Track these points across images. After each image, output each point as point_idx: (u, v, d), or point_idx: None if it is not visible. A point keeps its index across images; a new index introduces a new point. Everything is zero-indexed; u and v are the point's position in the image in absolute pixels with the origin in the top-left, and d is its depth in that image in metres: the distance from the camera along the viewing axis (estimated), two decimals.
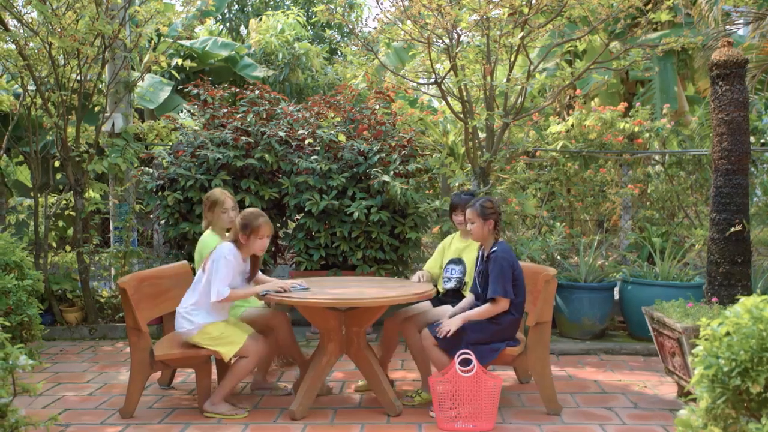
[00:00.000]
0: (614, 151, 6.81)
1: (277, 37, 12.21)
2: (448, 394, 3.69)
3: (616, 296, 5.92)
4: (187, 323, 3.95)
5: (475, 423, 3.70)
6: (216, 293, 3.83)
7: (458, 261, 4.52)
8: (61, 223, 8.10)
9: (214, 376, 4.48)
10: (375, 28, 6.16)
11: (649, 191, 7.01)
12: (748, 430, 1.59)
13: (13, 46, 6.03)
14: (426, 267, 4.70)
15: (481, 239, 4.01)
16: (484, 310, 3.84)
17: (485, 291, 3.89)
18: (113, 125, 6.68)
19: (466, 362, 3.71)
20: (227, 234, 4.33)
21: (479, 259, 4.10)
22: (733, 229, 4.28)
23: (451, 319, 3.81)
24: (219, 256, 3.88)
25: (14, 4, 6.02)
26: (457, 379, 3.67)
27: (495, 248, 3.91)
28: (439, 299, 4.50)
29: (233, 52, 11.86)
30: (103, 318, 6.39)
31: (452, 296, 4.46)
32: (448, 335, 3.75)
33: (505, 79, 5.93)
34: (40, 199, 6.44)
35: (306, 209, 5.85)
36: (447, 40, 5.80)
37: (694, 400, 1.80)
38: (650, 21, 6.66)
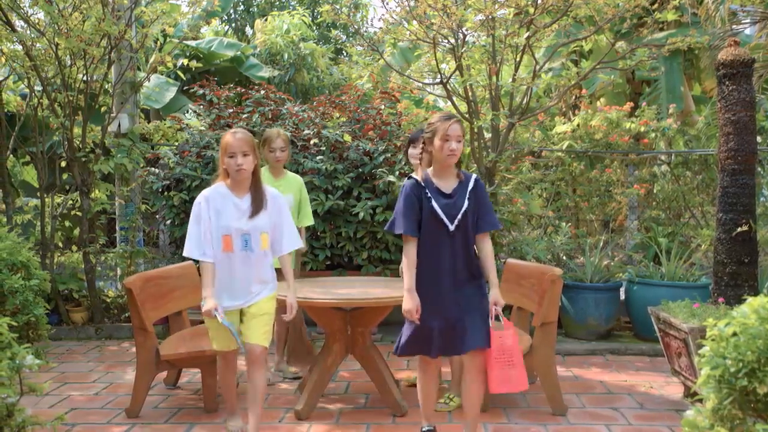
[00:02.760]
0: (620, 151, 6.79)
1: (283, 37, 12.22)
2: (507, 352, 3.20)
3: (622, 296, 5.91)
4: None
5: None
6: (188, 249, 3.36)
7: None
8: (67, 224, 8.13)
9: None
10: (380, 28, 6.16)
11: (655, 191, 6.99)
12: (755, 431, 1.59)
13: (19, 47, 6.05)
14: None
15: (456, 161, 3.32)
16: (492, 253, 3.31)
17: (468, 227, 3.26)
18: (119, 125, 6.70)
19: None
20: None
21: (428, 191, 3.28)
22: (739, 230, 4.27)
23: (494, 296, 3.21)
24: (195, 203, 3.41)
25: (21, 5, 6.04)
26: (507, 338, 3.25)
27: (475, 175, 3.37)
28: None
29: (239, 53, 11.88)
30: (109, 318, 6.41)
31: None
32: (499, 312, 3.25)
33: (510, 79, 5.92)
34: (46, 200, 6.46)
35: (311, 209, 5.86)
36: (452, 40, 5.80)
37: (700, 400, 1.80)
38: (656, 21, 6.65)
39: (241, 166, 3.30)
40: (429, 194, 3.27)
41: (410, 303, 3.21)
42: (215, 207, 3.34)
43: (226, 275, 3.36)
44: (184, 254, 3.34)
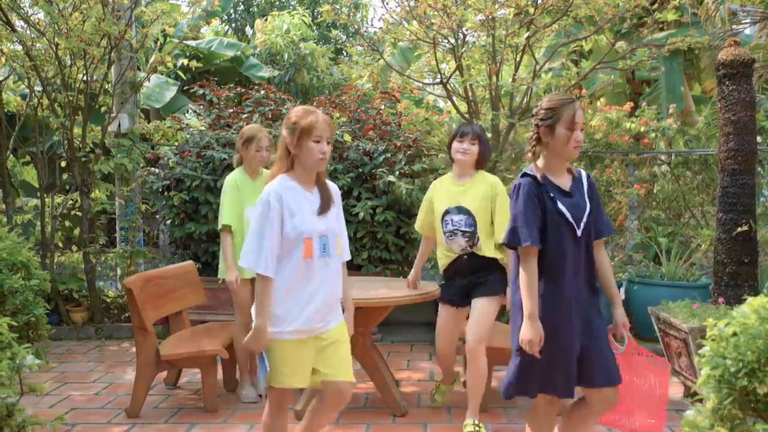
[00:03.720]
0: (620, 151, 6.79)
1: (283, 37, 12.22)
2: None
3: (622, 296, 5.91)
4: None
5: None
6: (245, 259, 2.63)
7: (460, 209, 3.67)
8: (67, 223, 8.13)
9: (220, 376, 4.50)
10: (380, 28, 6.16)
11: (655, 191, 6.99)
12: (755, 430, 1.59)
13: (20, 47, 6.06)
14: (420, 227, 3.97)
15: None
16: (610, 264, 2.86)
17: (591, 232, 2.73)
18: (119, 125, 6.70)
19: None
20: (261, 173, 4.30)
21: (549, 191, 2.69)
22: (739, 229, 4.27)
23: (621, 317, 2.83)
24: (259, 201, 2.67)
25: (21, 5, 6.04)
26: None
27: (584, 171, 2.86)
28: (447, 279, 3.79)
29: (239, 53, 11.88)
30: (109, 318, 6.41)
31: (468, 264, 3.68)
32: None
33: (510, 79, 5.92)
34: (46, 200, 6.46)
35: None
36: (452, 40, 5.80)
37: (700, 400, 1.79)
38: (656, 21, 6.64)
39: (326, 154, 2.69)
40: (551, 194, 2.68)
41: (533, 332, 2.56)
42: (289, 206, 2.64)
43: (305, 288, 2.66)
44: (243, 265, 2.63)
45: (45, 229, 6.40)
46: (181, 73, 9.22)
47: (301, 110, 2.70)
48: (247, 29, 17.55)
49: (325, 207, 2.73)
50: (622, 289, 5.89)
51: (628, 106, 7.03)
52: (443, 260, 3.76)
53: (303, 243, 2.63)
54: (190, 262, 4.80)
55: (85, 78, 6.18)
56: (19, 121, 6.71)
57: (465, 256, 3.66)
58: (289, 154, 2.70)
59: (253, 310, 2.64)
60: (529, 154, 2.77)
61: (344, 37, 17.41)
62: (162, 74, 10.48)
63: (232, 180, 4.23)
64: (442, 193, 3.77)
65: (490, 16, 5.47)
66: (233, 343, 4.30)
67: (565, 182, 2.74)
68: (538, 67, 5.88)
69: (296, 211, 2.65)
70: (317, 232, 2.68)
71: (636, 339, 5.75)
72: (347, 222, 5.86)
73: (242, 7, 18.30)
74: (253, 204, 4.14)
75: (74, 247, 6.74)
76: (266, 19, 13.03)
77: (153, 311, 4.10)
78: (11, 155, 7.09)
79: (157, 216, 7.05)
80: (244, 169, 4.31)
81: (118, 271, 6.76)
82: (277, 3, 18.08)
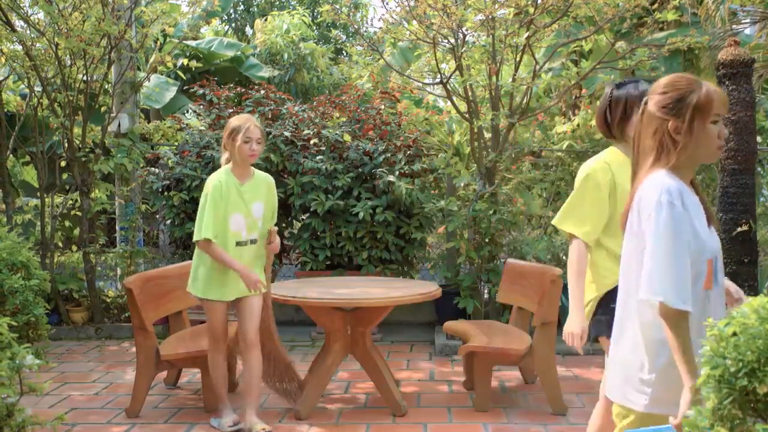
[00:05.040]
0: None
1: (283, 37, 12.23)
2: None
3: None
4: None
5: None
6: (661, 292, 1.80)
7: None
8: (67, 223, 8.12)
9: None
10: (380, 28, 6.17)
11: None
12: (755, 430, 1.59)
13: (19, 47, 6.06)
14: (585, 236, 2.60)
15: None
16: None
17: None
18: (119, 125, 6.70)
19: None
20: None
21: None
22: (739, 229, 4.27)
23: None
24: (656, 204, 1.84)
25: (21, 5, 6.04)
26: None
27: None
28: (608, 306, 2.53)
29: (239, 53, 11.89)
30: (109, 318, 6.41)
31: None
32: None
33: (510, 79, 5.93)
34: (46, 199, 6.46)
35: (311, 209, 5.86)
36: (452, 40, 5.80)
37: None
38: (656, 21, 6.64)
39: (723, 141, 1.96)
40: None
41: None
42: (689, 212, 1.87)
43: (697, 329, 1.83)
44: (655, 298, 1.80)
45: (45, 229, 6.40)
46: (181, 73, 9.22)
47: (685, 79, 1.90)
48: (247, 29, 17.55)
49: (711, 216, 1.97)
50: None
51: None
52: (613, 277, 2.43)
53: (707, 265, 1.87)
54: (190, 262, 4.79)
55: (85, 78, 6.18)
56: (19, 121, 6.71)
57: None
58: (674, 144, 1.89)
59: (635, 372, 1.91)
60: None
61: (344, 37, 17.41)
62: (162, 74, 10.47)
63: (216, 182, 3.57)
64: (626, 178, 2.41)
65: (490, 16, 5.47)
66: (209, 361, 3.80)
67: None
68: (538, 67, 5.88)
69: (696, 220, 1.88)
70: (718, 252, 1.93)
71: None
72: (347, 222, 5.87)
73: (242, 7, 18.31)
74: (237, 212, 3.59)
75: (74, 247, 6.74)
76: (266, 19, 13.04)
77: (153, 311, 4.10)
78: (11, 155, 7.09)
79: (157, 216, 7.04)
80: (231, 168, 3.65)
81: (118, 271, 6.76)
82: (277, 3, 18.08)
